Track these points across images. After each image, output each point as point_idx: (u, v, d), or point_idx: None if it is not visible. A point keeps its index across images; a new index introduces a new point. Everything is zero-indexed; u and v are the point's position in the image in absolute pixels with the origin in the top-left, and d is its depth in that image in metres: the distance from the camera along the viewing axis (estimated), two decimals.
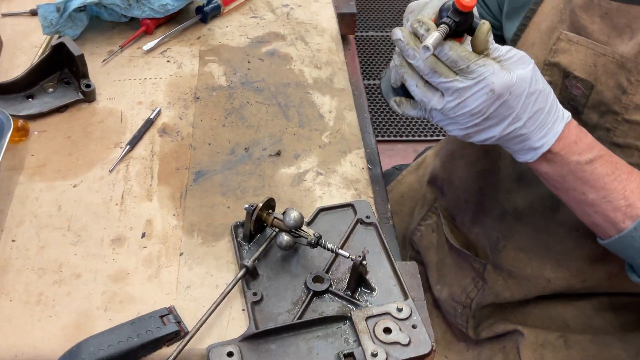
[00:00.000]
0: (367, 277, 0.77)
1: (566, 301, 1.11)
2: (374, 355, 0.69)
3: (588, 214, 0.84)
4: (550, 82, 0.96)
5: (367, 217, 0.85)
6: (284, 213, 0.78)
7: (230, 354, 0.69)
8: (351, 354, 0.70)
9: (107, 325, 0.71)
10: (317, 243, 0.77)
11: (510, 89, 0.76)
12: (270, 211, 0.80)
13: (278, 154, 0.95)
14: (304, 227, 0.77)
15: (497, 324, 1.16)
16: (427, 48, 0.71)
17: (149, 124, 0.98)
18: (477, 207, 1.15)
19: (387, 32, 3.08)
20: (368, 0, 3.28)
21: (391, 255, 0.80)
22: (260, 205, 0.78)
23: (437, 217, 1.26)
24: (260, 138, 0.97)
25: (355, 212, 0.86)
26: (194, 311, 0.74)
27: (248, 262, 0.76)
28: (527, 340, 1.11)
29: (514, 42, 1.02)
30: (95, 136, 0.96)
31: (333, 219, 0.85)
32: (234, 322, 0.74)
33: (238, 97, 1.04)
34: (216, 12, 1.21)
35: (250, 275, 0.77)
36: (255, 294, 0.75)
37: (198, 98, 1.04)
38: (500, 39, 1.18)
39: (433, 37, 0.71)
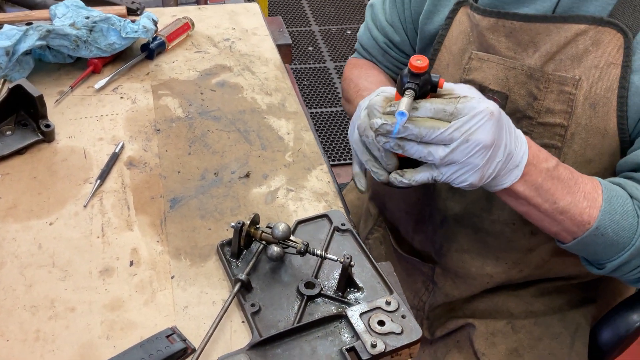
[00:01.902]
0: (354, 278, 0.83)
1: (508, 292, 1.22)
2: (374, 346, 0.75)
3: (558, 222, 0.91)
4: None
5: (343, 224, 0.91)
6: (270, 226, 0.83)
7: None
8: (352, 348, 0.75)
9: (113, 352, 0.72)
10: (306, 250, 0.82)
11: (498, 108, 0.82)
12: (258, 226, 0.84)
13: (247, 175, 0.99)
14: (292, 238, 0.82)
15: (449, 322, 1.25)
16: (402, 113, 0.76)
17: (114, 158, 0.99)
18: (418, 217, 1.24)
19: (321, 63, 3.21)
20: (301, 35, 3.41)
21: (371, 257, 0.87)
22: (248, 221, 0.82)
23: (383, 230, 1.35)
24: (227, 162, 1.01)
25: (331, 222, 0.92)
26: (195, 329, 0.77)
27: (242, 276, 0.80)
28: (478, 330, 1.20)
29: (429, 66, 1.12)
30: (62, 174, 0.96)
31: (311, 230, 0.91)
32: (236, 334, 0.77)
33: (198, 127, 1.08)
34: (161, 49, 1.25)
35: (245, 288, 0.81)
36: (253, 305, 0.79)
37: (159, 130, 1.07)
38: None
39: (404, 102, 0.77)
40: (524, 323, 1.22)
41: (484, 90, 1.04)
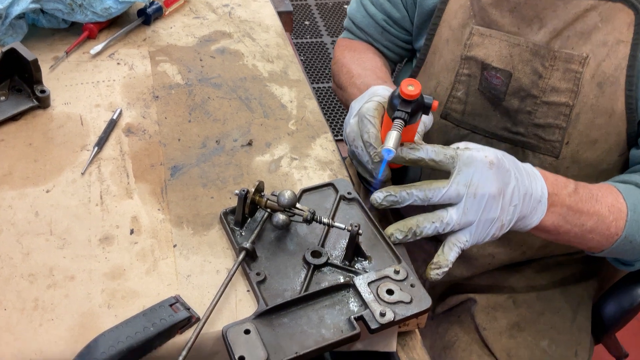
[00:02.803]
0: (361, 246, 0.81)
1: (510, 269, 1.21)
2: (383, 314, 0.73)
3: (588, 240, 0.91)
4: (468, 75, 1.05)
5: (349, 193, 0.89)
6: (276, 194, 0.80)
7: (247, 332, 0.70)
8: (361, 317, 0.73)
9: (114, 321, 0.70)
10: (312, 218, 0.79)
11: (497, 155, 0.82)
12: (262, 194, 0.82)
13: (250, 143, 0.97)
14: (298, 205, 0.80)
15: (450, 298, 1.24)
16: (389, 151, 0.74)
17: (112, 124, 0.96)
18: None
19: (318, 38, 3.15)
20: (297, 9, 3.35)
21: (378, 226, 0.85)
22: (253, 189, 0.80)
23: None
24: (229, 130, 0.99)
25: (337, 190, 0.89)
26: (199, 298, 0.75)
27: (247, 244, 0.78)
28: (479, 305, 1.19)
29: (428, 41, 1.09)
30: (58, 141, 0.93)
31: (317, 199, 0.89)
32: (242, 303, 0.75)
33: (198, 94, 1.05)
34: (158, 14, 1.21)
35: (250, 257, 0.79)
36: (258, 274, 0.77)
37: (157, 97, 1.03)
38: (412, 52, 1.26)
39: (392, 138, 0.75)
40: (526, 297, 1.21)
41: (486, 67, 1.01)
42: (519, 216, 0.84)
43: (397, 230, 0.83)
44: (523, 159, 0.94)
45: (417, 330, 0.85)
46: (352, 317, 0.73)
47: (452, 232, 0.84)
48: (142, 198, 0.86)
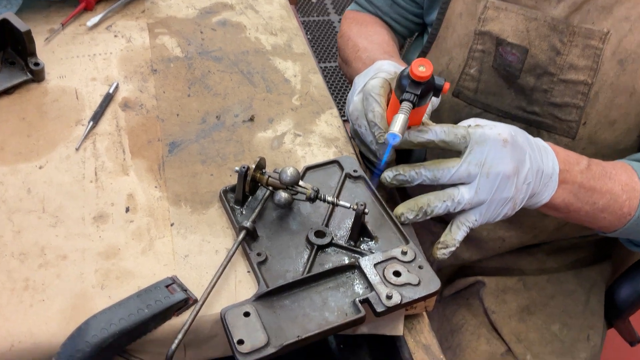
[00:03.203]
0: (367, 226, 0.77)
1: (520, 251, 1.17)
2: (389, 297, 0.69)
3: (599, 220, 0.88)
4: (482, 51, 1.00)
5: (355, 171, 0.85)
6: (278, 171, 0.76)
7: (247, 314, 0.67)
8: (366, 300, 0.70)
9: (107, 302, 0.67)
10: (316, 197, 0.76)
11: (511, 132, 0.77)
12: (264, 171, 0.78)
13: (251, 119, 0.93)
14: (301, 183, 0.76)
15: (458, 281, 1.20)
16: (394, 136, 0.71)
17: (108, 99, 0.92)
18: None
19: (325, 16, 3.08)
20: None
21: (385, 205, 0.81)
22: (254, 165, 0.76)
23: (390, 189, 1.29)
24: (230, 105, 0.95)
25: (342, 168, 0.86)
26: (197, 279, 0.71)
27: (247, 224, 0.74)
28: (488, 287, 1.15)
29: (441, 15, 1.05)
30: (52, 115, 0.89)
31: (321, 176, 0.85)
32: (242, 284, 0.72)
33: (198, 67, 1.01)
34: None
35: (250, 236, 0.75)
36: (259, 254, 0.73)
37: (155, 70, 0.99)
38: (423, 26, 1.21)
39: (398, 122, 0.70)
40: (537, 280, 1.17)
41: (501, 43, 0.96)
42: (530, 194, 0.80)
43: (407, 209, 0.79)
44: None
45: (424, 314, 0.81)
46: (357, 299, 0.69)
47: (461, 211, 0.80)
48: (139, 175, 0.82)
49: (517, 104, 1.01)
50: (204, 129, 0.90)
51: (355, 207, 0.74)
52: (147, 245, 0.74)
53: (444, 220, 1.15)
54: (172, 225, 0.77)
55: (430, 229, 1.21)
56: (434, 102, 0.90)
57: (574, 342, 1.13)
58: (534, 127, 1.01)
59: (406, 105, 0.71)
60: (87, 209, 0.77)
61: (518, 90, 0.99)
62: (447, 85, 0.73)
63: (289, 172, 0.75)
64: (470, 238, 1.15)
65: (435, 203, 0.78)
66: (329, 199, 0.76)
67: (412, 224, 1.22)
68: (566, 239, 1.19)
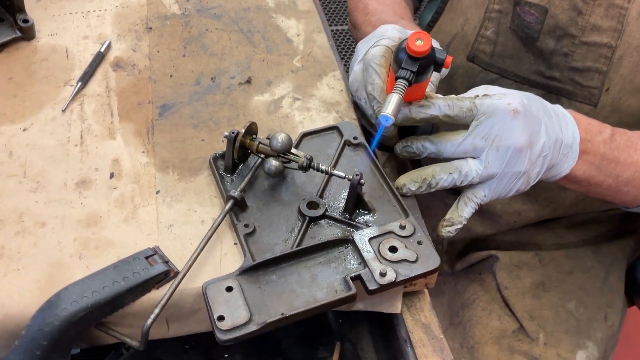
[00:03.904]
0: (364, 198, 0.72)
1: (537, 225, 1.11)
2: (383, 274, 0.65)
3: (623, 194, 0.82)
4: (499, 12, 0.93)
5: (355, 138, 0.80)
6: (269, 137, 0.71)
7: (229, 289, 0.63)
8: (358, 277, 0.65)
9: (85, 273, 0.63)
10: (309, 165, 0.71)
11: (522, 101, 0.72)
12: (254, 136, 0.73)
13: (248, 81, 0.87)
14: (294, 150, 0.71)
15: (471, 255, 1.15)
16: (386, 118, 0.66)
17: (99, 58, 0.88)
18: None
19: None
20: None
21: (385, 175, 0.76)
22: (243, 130, 0.71)
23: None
24: (227, 66, 0.89)
25: (341, 134, 0.80)
26: (180, 250, 0.68)
27: (235, 193, 0.70)
28: (502, 262, 1.10)
29: None
30: (40, 75, 0.85)
31: (318, 143, 0.79)
32: (227, 257, 0.68)
33: (195, 25, 0.95)
34: None
35: (238, 206, 0.71)
36: (247, 226, 0.69)
37: (150, 28, 0.94)
38: None
39: (392, 102, 0.65)
40: (553, 255, 1.11)
41: (519, 2, 0.89)
42: (548, 165, 0.74)
43: (410, 180, 0.74)
44: None
45: (426, 291, 0.76)
46: (348, 276, 0.65)
47: (469, 186, 0.75)
48: (126, 139, 0.78)
49: (535, 68, 0.94)
50: (198, 91, 0.85)
51: (350, 177, 0.69)
52: (130, 213, 0.70)
53: (456, 192, 1.09)
54: (157, 192, 0.73)
55: (443, 200, 1.16)
56: (442, 72, 0.84)
57: (590, 321, 1.08)
58: (553, 93, 0.94)
59: (401, 83, 0.66)
60: (70, 174, 0.74)
61: (537, 54, 0.93)
62: (449, 60, 0.67)
63: (280, 138, 0.70)
64: (484, 211, 1.09)
65: (441, 175, 0.73)
66: (323, 167, 0.71)
67: (423, 195, 1.16)
68: (586, 213, 1.12)
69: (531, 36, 0.91)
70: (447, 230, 0.77)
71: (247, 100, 0.85)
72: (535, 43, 0.91)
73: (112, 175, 0.74)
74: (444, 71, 0.84)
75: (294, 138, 0.79)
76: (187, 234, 0.69)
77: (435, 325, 0.74)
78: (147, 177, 0.74)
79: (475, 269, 1.17)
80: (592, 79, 0.90)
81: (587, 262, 1.12)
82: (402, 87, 0.65)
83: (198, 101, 0.84)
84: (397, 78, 0.66)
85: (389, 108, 0.65)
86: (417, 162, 1.15)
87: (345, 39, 2.60)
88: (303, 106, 0.85)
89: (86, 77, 0.85)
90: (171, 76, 0.87)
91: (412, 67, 0.65)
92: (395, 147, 0.77)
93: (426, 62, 0.66)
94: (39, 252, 0.66)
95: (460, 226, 0.77)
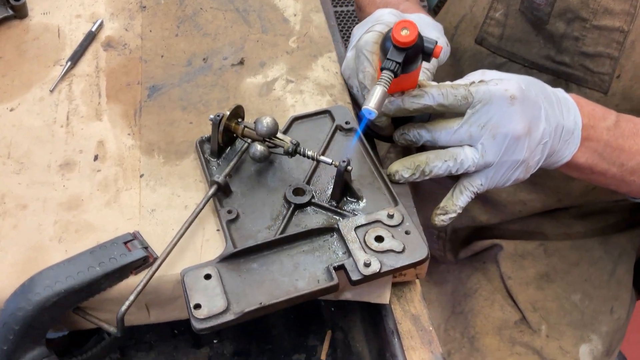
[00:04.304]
0: (352, 185, 0.70)
1: (543, 214, 1.08)
2: (367, 265, 0.62)
3: (628, 183, 0.79)
4: None
5: (347, 122, 0.77)
6: (255, 121, 0.69)
7: (208, 277, 0.61)
8: (342, 266, 0.63)
9: (63, 257, 0.62)
10: (295, 151, 0.69)
11: (520, 86, 0.69)
12: (240, 120, 0.71)
13: (241, 62, 0.85)
14: (280, 135, 0.69)
15: (475, 243, 1.13)
16: (369, 112, 0.63)
17: (90, 37, 0.86)
18: None
19: None
20: None
21: (376, 162, 0.73)
22: (228, 113, 0.69)
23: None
24: (220, 47, 0.87)
25: (333, 119, 0.78)
26: (162, 235, 0.66)
27: (219, 178, 0.68)
28: (505, 252, 1.07)
29: None
30: (31, 55, 0.84)
31: (309, 128, 0.77)
32: (209, 243, 0.66)
33: (190, 4, 0.93)
34: None
35: (222, 192, 0.69)
36: (230, 212, 0.67)
37: (144, 7, 0.92)
38: None
39: (375, 96, 0.63)
40: (559, 246, 1.08)
41: None
42: (548, 152, 0.72)
43: (403, 167, 0.71)
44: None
45: (417, 281, 0.74)
46: (331, 265, 0.63)
47: (465, 174, 0.72)
48: (112, 120, 0.77)
49: (545, 53, 0.90)
50: (189, 72, 0.83)
51: (337, 163, 0.66)
52: (113, 197, 0.69)
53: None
54: (141, 176, 0.71)
55: (447, 186, 1.13)
56: (440, 57, 0.80)
57: (596, 313, 1.05)
58: (563, 79, 0.91)
59: (386, 75, 0.63)
60: (54, 155, 0.73)
61: (547, 38, 0.89)
62: (438, 49, 0.64)
63: (266, 122, 0.68)
64: (488, 200, 1.06)
65: (435, 162, 0.70)
66: (309, 153, 0.68)
67: (426, 180, 1.13)
68: (595, 203, 1.09)
69: (541, 19, 0.87)
70: (441, 218, 0.74)
71: (238, 82, 0.83)
72: (545, 26, 0.88)
73: (96, 158, 0.73)
74: (443, 56, 0.81)
75: (285, 122, 0.76)
76: (169, 219, 0.67)
77: (425, 316, 0.71)
78: (131, 160, 0.73)
79: (479, 258, 1.14)
80: (603, 65, 0.86)
81: (595, 253, 1.09)
82: (386, 78, 0.63)
83: (188, 82, 0.82)
84: (382, 69, 0.63)
85: (372, 101, 0.63)
86: (421, 149, 1.12)
87: (351, 20, 2.54)
88: (296, 89, 0.82)
89: (76, 56, 0.83)
90: (162, 56, 0.85)
91: (397, 58, 0.63)
92: (394, 134, 0.75)
93: (413, 53, 0.63)
94: (18, 235, 0.65)
95: (454, 215, 0.74)
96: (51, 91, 0.79)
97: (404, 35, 0.62)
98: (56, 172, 0.71)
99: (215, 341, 0.83)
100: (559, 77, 0.91)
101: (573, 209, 1.09)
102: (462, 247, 1.16)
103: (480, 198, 1.08)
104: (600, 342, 1.03)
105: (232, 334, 0.83)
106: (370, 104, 0.63)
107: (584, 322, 1.04)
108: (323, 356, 0.82)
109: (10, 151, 0.73)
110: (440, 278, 1.21)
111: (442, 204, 0.74)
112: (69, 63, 0.82)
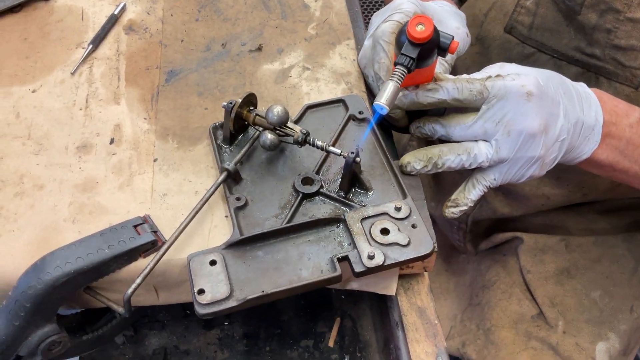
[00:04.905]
0: (362, 176, 0.70)
1: (567, 208, 1.06)
2: (371, 257, 0.63)
3: None
4: None
5: (360, 112, 0.77)
6: (267, 110, 0.69)
7: (213, 263, 0.62)
8: (345, 257, 0.63)
9: (76, 237, 0.64)
10: (304, 140, 0.69)
11: (538, 82, 0.67)
12: (252, 108, 0.71)
13: (259, 48, 0.85)
14: (290, 124, 0.69)
15: (496, 235, 1.11)
16: (380, 107, 0.62)
17: (113, 20, 0.87)
18: None
19: None
20: None
21: (387, 153, 0.73)
22: (240, 101, 0.69)
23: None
24: (239, 32, 0.87)
25: (347, 108, 0.77)
26: (172, 220, 0.67)
27: (229, 165, 0.68)
28: (526, 245, 1.06)
29: None
30: (54, 37, 0.86)
31: (322, 117, 0.77)
32: (217, 230, 0.67)
33: None
34: None
35: (232, 179, 0.70)
36: (238, 199, 0.68)
37: None
38: None
39: (387, 91, 0.62)
40: (581, 241, 1.06)
41: None
42: (567, 149, 0.70)
43: (415, 159, 0.71)
44: (596, 87, 0.79)
45: (426, 274, 0.74)
46: (335, 256, 0.63)
47: (480, 168, 0.71)
48: (130, 104, 0.78)
49: (575, 44, 0.88)
50: (207, 58, 0.84)
51: (345, 154, 0.66)
52: (126, 180, 0.71)
53: None
54: (155, 161, 0.73)
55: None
56: (459, 48, 0.79)
57: (615, 311, 1.03)
58: (593, 72, 0.88)
59: (399, 70, 0.62)
60: (72, 137, 0.74)
61: (578, 29, 0.86)
62: (454, 45, 0.63)
63: (276, 110, 0.68)
64: (510, 192, 1.05)
65: (448, 156, 0.70)
66: (319, 143, 0.68)
67: (444, 179, 1.12)
68: (620, 199, 1.06)
69: (572, 9, 0.85)
70: (451, 211, 0.74)
71: (255, 68, 0.83)
72: (577, 17, 0.85)
73: (112, 141, 0.74)
74: (462, 48, 0.80)
75: (298, 110, 0.77)
76: (180, 204, 0.69)
77: (431, 309, 0.71)
78: (146, 144, 0.74)
79: (499, 250, 1.13)
80: (635, 59, 0.83)
81: (617, 250, 1.06)
82: (399, 74, 0.62)
83: (206, 68, 0.82)
84: (395, 64, 0.63)
85: (383, 97, 0.62)
86: (444, 141, 1.11)
87: (378, 5, 2.50)
88: (312, 76, 0.82)
89: (98, 39, 0.85)
90: (182, 41, 0.86)
91: (412, 53, 0.62)
92: (410, 127, 0.74)
93: (428, 48, 0.62)
94: (34, 215, 0.67)
95: (465, 208, 0.74)
96: (72, 74, 0.81)
97: (419, 31, 0.61)
98: (73, 154, 0.73)
99: (225, 323, 0.84)
100: (589, 70, 0.89)
101: (598, 204, 1.07)
102: (482, 239, 1.15)
103: (502, 190, 1.06)
104: (618, 341, 1.02)
105: (242, 318, 0.85)
106: (382, 100, 0.62)
107: (602, 319, 1.02)
108: (331, 343, 0.82)
109: (31, 132, 0.75)
110: (460, 268, 1.20)
111: (453, 196, 0.73)
112: (90, 46, 0.83)
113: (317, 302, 0.86)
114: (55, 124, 0.76)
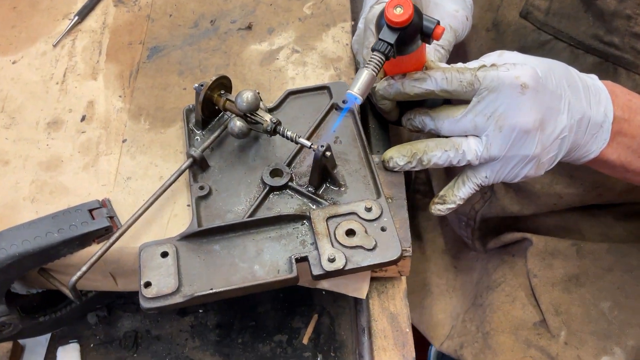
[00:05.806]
0: (336, 171, 0.65)
1: (583, 211, 0.99)
2: (331, 260, 0.58)
3: None
4: None
5: (344, 101, 0.72)
6: (236, 95, 0.65)
7: (164, 254, 0.60)
8: (305, 258, 0.59)
9: (32, 218, 0.62)
10: (274, 130, 0.64)
11: (536, 74, 0.61)
12: (223, 92, 0.67)
13: (249, 27, 0.81)
14: (260, 112, 0.65)
15: (505, 234, 1.05)
16: (353, 97, 0.57)
17: None
18: None
19: None
20: None
21: (366, 147, 0.68)
22: (210, 83, 0.66)
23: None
24: (230, 9, 0.83)
25: (331, 96, 0.72)
26: (132, 205, 0.65)
27: (195, 152, 0.65)
28: (535, 247, 1.00)
29: None
30: (43, 6, 0.84)
31: (304, 104, 0.72)
32: (176, 219, 0.64)
33: None
34: None
35: (198, 166, 0.66)
36: (202, 188, 0.65)
37: None
38: None
39: (360, 80, 0.57)
40: (594, 248, 0.99)
41: None
42: (570, 147, 0.64)
43: (399, 154, 0.66)
44: (614, 78, 0.71)
45: (403, 279, 0.69)
46: (293, 256, 0.59)
47: (471, 165, 0.66)
48: (107, 81, 0.75)
49: (593, 32, 0.80)
50: (193, 35, 0.80)
51: (315, 147, 0.62)
52: (92, 160, 0.68)
53: None
54: (124, 141, 0.70)
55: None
56: (457, 29, 0.72)
57: (624, 325, 0.96)
58: (611, 62, 0.81)
59: (376, 57, 0.57)
60: (44, 112, 0.72)
61: (596, 15, 0.79)
62: (439, 30, 0.57)
63: (245, 96, 0.64)
64: (521, 189, 0.98)
65: (434, 151, 0.64)
66: (289, 134, 0.64)
67: (455, 174, 1.05)
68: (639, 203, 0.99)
69: None
70: (438, 208, 0.69)
71: (242, 48, 0.79)
72: (595, 2, 0.78)
73: (83, 118, 0.72)
74: (461, 32, 0.74)
75: (279, 96, 0.72)
76: (142, 189, 0.66)
77: (404, 316, 0.67)
78: (117, 123, 0.71)
79: (509, 250, 1.07)
80: None
81: (632, 260, 0.99)
82: (375, 62, 0.57)
83: (191, 45, 0.79)
84: (372, 50, 0.57)
85: (356, 86, 0.57)
86: (435, 135, 1.05)
87: None
88: (300, 60, 0.77)
89: (84, 11, 0.82)
90: (170, 16, 0.82)
91: (389, 38, 0.56)
92: (402, 119, 0.69)
93: (408, 33, 0.56)
94: None
95: (453, 206, 0.68)
96: (54, 46, 0.79)
97: (397, 14, 0.56)
98: (43, 129, 0.71)
99: (200, 311, 0.82)
100: (607, 59, 0.81)
101: (614, 207, 0.99)
102: (491, 237, 1.09)
103: (512, 186, 1.00)
104: (624, 357, 0.95)
105: (217, 306, 0.82)
106: (355, 89, 0.57)
107: (609, 332, 0.95)
108: (305, 340, 0.79)
109: (5, 105, 0.73)
110: (468, 266, 1.15)
111: (441, 193, 0.68)
112: (76, 18, 0.81)
113: (296, 297, 0.83)
114: (30, 97, 0.74)
